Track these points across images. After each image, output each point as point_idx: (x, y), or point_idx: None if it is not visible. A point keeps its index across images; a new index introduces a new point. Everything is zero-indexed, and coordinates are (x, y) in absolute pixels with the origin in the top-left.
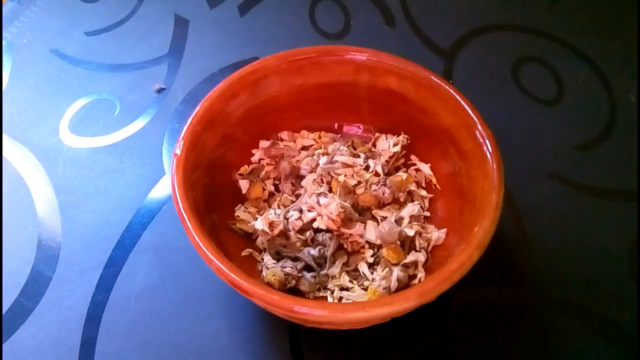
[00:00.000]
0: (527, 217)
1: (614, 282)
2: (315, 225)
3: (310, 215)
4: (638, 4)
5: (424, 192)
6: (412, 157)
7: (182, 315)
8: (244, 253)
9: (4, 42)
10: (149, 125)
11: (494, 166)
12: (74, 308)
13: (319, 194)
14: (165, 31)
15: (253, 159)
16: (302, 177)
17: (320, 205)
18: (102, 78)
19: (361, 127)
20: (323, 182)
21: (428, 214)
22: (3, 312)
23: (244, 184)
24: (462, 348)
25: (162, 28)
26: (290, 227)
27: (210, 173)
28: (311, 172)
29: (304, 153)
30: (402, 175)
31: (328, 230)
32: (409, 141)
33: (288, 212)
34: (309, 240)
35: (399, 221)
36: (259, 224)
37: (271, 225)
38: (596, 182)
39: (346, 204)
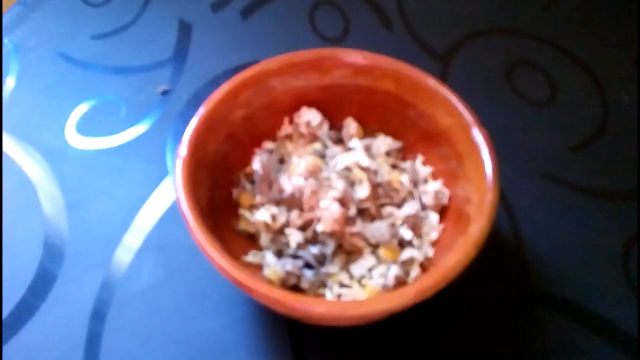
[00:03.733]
0: (521, 217)
1: (609, 283)
2: (319, 229)
3: (311, 215)
4: (632, 8)
5: (426, 199)
6: (410, 157)
7: (186, 311)
8: (248, 258)
9: (10, 46)
10: (153, 127)
11: (489, 167)
12: (79, 305)
13: (319, 196)
14: (170, 35)
15: (253, 165)
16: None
17: (320, 207)
18: (107, 81)
19: (360, 128)
20: (323, 183)
21: (425, 213)
22: (10, 309)
23: (235, 193)
24: (458, 346)
25: (166, 32)
26: (291, 224)
27: (214, 174)
28: (311, 172)
29: (303, 154)
30: (399, 175)
31: None
32: (405, 143)
33: (290, 209)
34: (310, 238)
35: (396, 221)
36: (262, 215)
37: (273, 218)
38: (590, 182)
39: (346, 205)
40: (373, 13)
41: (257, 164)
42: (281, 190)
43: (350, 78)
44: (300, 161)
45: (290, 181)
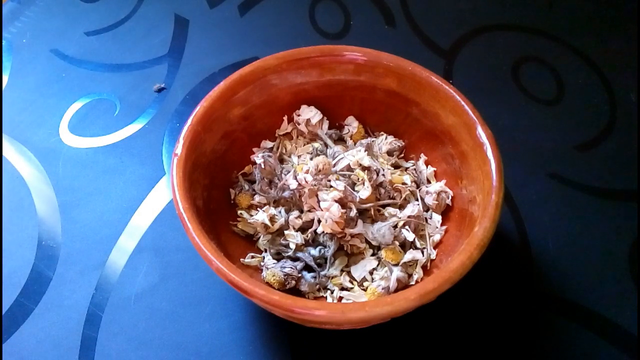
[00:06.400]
0: (527, 217)
1: (614, 282)
2: (319, 231)
3: (311, 216)
4: (638, 3)
5: (429, 200)
6: (412, 157)
7: (182, 315)
8: (246, 260)
9: (3, 42)
10: (149, 125)
11: (494, 166)
12: (74, 308)
13: (319, 197)
14: (165, 31)
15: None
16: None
17: (321, 209)
18: (102, 78)
19: (361, 127)
20: (323, 185)
21: (428, 214)
22: (3, 312)
23: (233, 193)
24: (462, 348)
25: (162, 28)
26: (291, 225)
27: (211, 173)
28: (321, 171)
29: (303, 154)
30: (401, 175)
31: None
32: (407, 142)
33: (289, 210)
34: (310, 240)
35: (398, 222)
36: (261, 216)
37: (272, 219)
38: (596, 182)
39: (346, 207)
40: (375, 8)
41: (259, 159)
42: (284, 188)
43: (351, 75)
44: (307, 159)
45: (297, 178)
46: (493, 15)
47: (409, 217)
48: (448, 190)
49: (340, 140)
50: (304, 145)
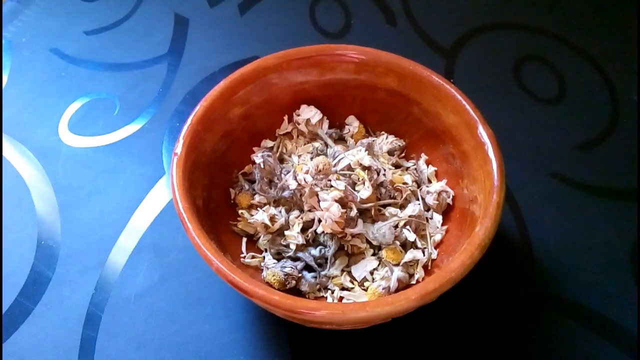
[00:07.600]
0: (528, 217)
1: (615, 282)
2: (319, 230)
3: (311, 215)
4: (638, 3)
5: (430, 199)
6: (413, 156)
7: (182, 315)
8: (246, 260)
9: (3, 42)
10: (148, 125)
11: (495, 166)
12: (73, 308)
13: (319, 196)
14: (165, 30)
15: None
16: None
17: (321, 209)
18: (101, 77)
19: (362, 126)
20: (323, 185)
21: (429, 214)
22: (3, 312)
23: (233, 193)
24: (462, 348)
25: (162, 27)
26: (291, 225)
27: (211, 173)
28: (320, 171)
29: (303, 154)
30: (402, 174)
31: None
32: (408, 142)
33: (289, 210)
34: (310, 240)
35: (399, 222)
36: (261, 216)
37: (272, 219)
38: (598, 181)
39: (346, 207)
40: (376, 7)
41: (259, 159)
42: (284, 188)
43: (351, 74)
44: (307, 158)
45: (297, 178)
46: (494, 14)
47: (409, 216)
48: (449, 189)
49: (340, 139)
50: (304, 144)
